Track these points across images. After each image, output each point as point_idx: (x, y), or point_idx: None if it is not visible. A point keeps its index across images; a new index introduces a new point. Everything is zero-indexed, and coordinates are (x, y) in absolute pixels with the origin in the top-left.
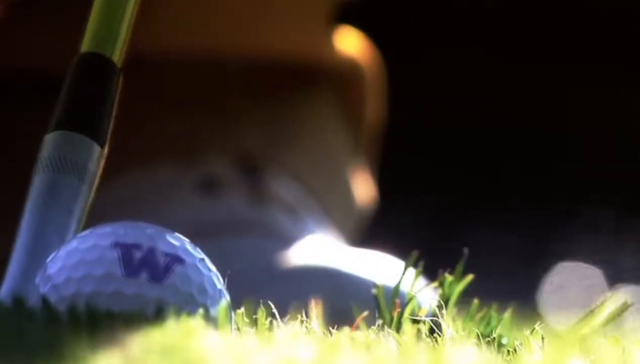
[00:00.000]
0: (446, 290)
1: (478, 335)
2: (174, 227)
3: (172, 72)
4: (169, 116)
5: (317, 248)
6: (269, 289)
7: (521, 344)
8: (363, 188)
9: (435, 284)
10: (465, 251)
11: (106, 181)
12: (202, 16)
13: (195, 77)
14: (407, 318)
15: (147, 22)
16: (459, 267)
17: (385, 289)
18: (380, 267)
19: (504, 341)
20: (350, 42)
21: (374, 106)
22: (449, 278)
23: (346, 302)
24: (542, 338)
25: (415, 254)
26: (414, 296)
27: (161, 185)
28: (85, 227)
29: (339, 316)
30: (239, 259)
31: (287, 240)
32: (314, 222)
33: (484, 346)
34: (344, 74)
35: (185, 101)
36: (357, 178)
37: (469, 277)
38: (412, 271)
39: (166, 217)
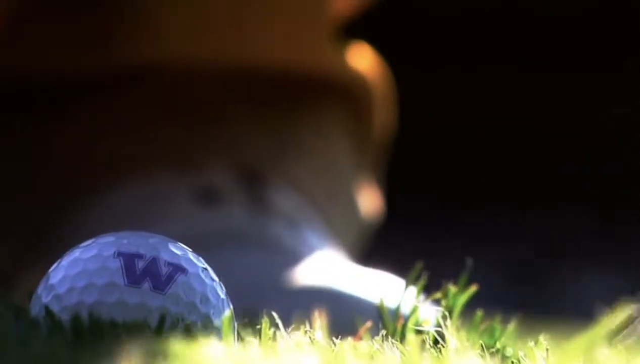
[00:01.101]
0: (450, 301)
1: (482, 346)
2: (171, 238)
3: (172, 81)
4: (168, 125)
5: (318, 265)
6: (266, 305)
7: (525, 355)
8: (368, 202)
9: (439, 295)
10: (469, 262)
11: (103, 190)
12: (202, 25)
13: (196, 86)
14: (411, 328)
15: (146, 30)
16: (463, 278)
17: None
18: (381, 288)
19: (508, 352)
20: (359, 57)
21: (382, 121)
22: (452, 288)
23: (346, 322)
24: (547, 350)
25: (419, 265)
26: (417, 307)
27: (159, 194)
28: (87, 237)
29: (339, 333)
30: (237, 272)
31: (287, 253)
32: (315, 234)
33: (488, 357)
34: (351, 88)
35: (185, 110)
36: (363, 192)
37: (473, 288)
38: (413, 289)
39: (164, 227)
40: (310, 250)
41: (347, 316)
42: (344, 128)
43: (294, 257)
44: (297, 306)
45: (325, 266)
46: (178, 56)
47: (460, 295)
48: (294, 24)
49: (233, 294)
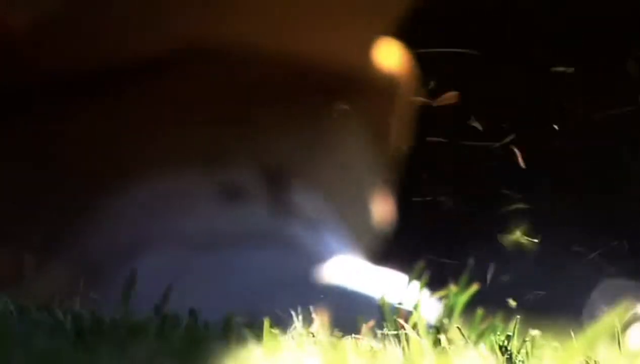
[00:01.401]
0: (451, 300)
1: (484, 345)
2: (193, 235)
3: (199, 76)
4: (193, 121)
5: (334, 265)
6: (278, 302)
7: (527, 353)
8: (382, 208)
9: (441, 294)
10: (471, 261)
11: (125, 186)
12: (234, 16)
13: (224, 83)
14: (413, 326)
15: (175, 22)
16: (464, 278)
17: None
18: (390, 286)
19: (511, 350)
20: (388, 53)
21: (405, 125)
22: (453, 288)
23: (355, 319)
24: (550, 349)
25: (421, 264)
26: (419, 306)
27: (180, 191)
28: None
29: (347, 331)
30: (255, 270)
31: (305, 255)
32: (334, 237)
33: (489, 356)
34: (380, 91)
35: (211, 107)
36: (378, 197)
37: (474, 287)
38: (416, 284)
39: (184, 224)
40: (328, 252)
41: (356, 314)
42: (367, 130)
43: (311, 259)
44: (307, 303)
45: (340, 267)
46: (206, 51)
47: (462, 294)
48: (339, 19)
49: (248, 291)
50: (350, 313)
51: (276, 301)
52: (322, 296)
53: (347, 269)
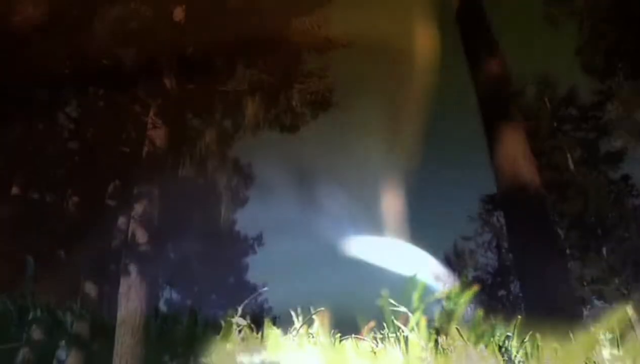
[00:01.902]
0: (452, 301)
1: (485, 345)
2: (221, 223)
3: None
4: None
5: (355, 250)
6: (302, 284)
7: (527, 354)
8: (393, 207)
9: (443, 295)
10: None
11: (161, 177)
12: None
13: (256, 77)
14: (413, 327)
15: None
16: (464, 278)
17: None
18: (408, 261)
19: (510, 351)
20: (423, 35)
21: (420, 114)
22: (454, 289)
23: (375, 294)
24: (551, 349)
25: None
26: (421, 305)
27: (212, 183)
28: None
29: (361, 309)
30: (280, 260)
31: (329, 245)
32: (355, 229)
33: (489, 355)
34: (401, 75)
35: (241, 100)
36: (389, 196)
37: (475, 288)
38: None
39: (212, 215)
40: (348, 240)
41: (375, 289)
42: (386, 130)
43: (335, 250)
44: (327, 292)
45: (360, 251)
46: (238, 45)
47: (462, 295)
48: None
49: (273, 278)
50: (370, 294)
51: (297, 291)
52: (340, 275)
53: (368, 252)
